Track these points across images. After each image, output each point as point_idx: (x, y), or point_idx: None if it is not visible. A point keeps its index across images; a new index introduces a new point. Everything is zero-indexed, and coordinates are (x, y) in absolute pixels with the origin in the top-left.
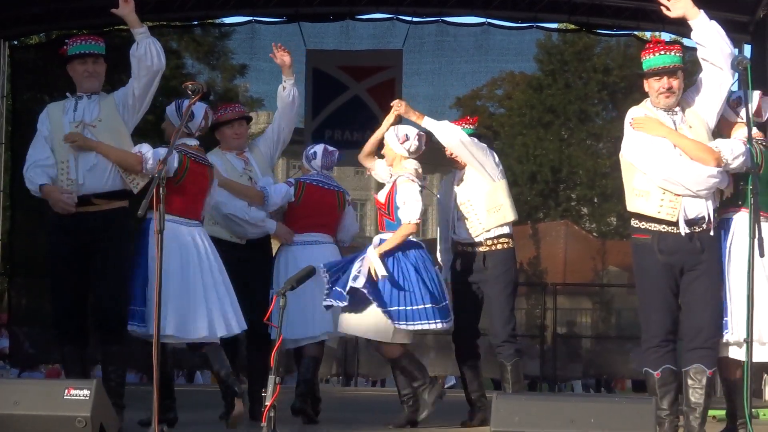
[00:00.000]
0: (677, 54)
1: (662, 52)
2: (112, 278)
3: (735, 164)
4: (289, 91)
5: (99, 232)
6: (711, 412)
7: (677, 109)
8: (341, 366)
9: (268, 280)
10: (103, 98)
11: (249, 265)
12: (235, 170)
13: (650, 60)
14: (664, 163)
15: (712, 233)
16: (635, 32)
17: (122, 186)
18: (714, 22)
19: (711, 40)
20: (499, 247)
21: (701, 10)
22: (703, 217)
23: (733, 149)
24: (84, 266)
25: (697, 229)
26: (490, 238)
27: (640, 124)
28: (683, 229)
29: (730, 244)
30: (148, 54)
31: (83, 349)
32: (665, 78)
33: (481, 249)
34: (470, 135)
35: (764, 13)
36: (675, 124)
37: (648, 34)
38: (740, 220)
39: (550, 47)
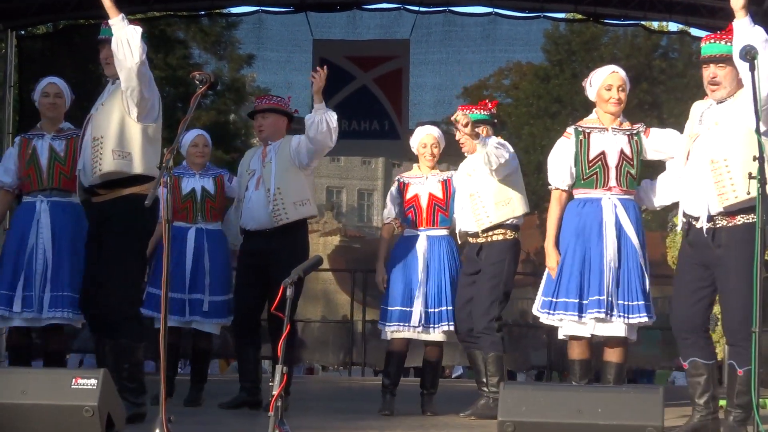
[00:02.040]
0: (729, 43)
1: (713, 41)
2: (111, 270)
3: None
4: (311, 118)
5: (104, 223)
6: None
7: (717, 103)
8: (348, 355)
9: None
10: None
11: (265, 256)
12: (247, 166)
13: (702, 48)
14: None
15: (714, 231)
16: (642, 22)
17: (121, 173)
18: (759, 28)
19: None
20: (495, 238)
21: (748, 15)
22: (699, 217)
23: None
24: (98, 256)
25: (698, 225)
26: (487, 230)
27: None
28: (680, 224)
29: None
30: (120, 48)
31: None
32: (711, 66)
33: (479, 240)
34: (485, 121)
35: None
36: (702, 116)
37: (655, 24)
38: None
39: (557, 37)
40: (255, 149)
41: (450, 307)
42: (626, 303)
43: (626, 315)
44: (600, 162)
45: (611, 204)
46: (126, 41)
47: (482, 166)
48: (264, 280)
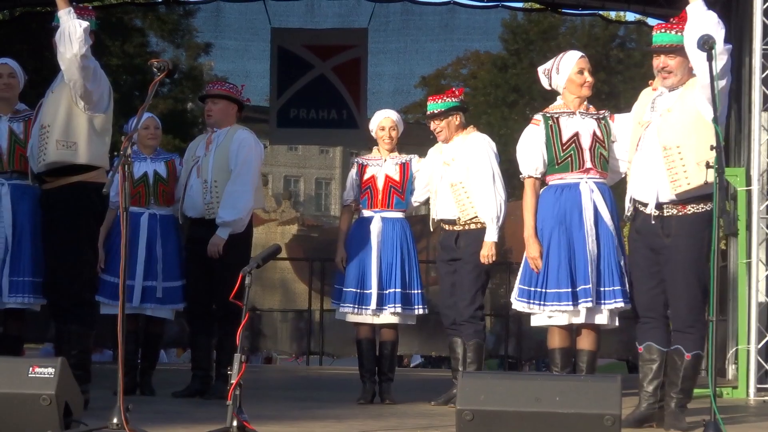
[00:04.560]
0: (679, 32)
1: (663, 30)
2: (59, 256)
3: None
4: (58, 33)
5: (52, 210)
6: None
7: (670, 91)
8: (306, 344)
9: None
10: None
11: (203, 244)
12: (193, 152)
13: (653, 37)
14: None
15: (670, 219)
16: (600, 12)
17: (65, 162)
18: (711, 12)
19: (696, 30)
20: (473, 227)
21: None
22: (647, 204)
23: None
24: (48, 242)
25: (647, 211)
26: (466, 219)
27: None
28: (627, 210)
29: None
30: (61, 39)
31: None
32: (662, 56)
33: (456, 228)
34: (457, 107)
35: None
36: (654, 103)
37: (612, 14)
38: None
39: (515, 27)
40: (203, 136)
41: (399, 289)
42: (604, 289)
43: (603, 301)
44: (574, 144)
45: (588, 189)
46: (68, 34)
47: (463, 156)
48: (209, 268)
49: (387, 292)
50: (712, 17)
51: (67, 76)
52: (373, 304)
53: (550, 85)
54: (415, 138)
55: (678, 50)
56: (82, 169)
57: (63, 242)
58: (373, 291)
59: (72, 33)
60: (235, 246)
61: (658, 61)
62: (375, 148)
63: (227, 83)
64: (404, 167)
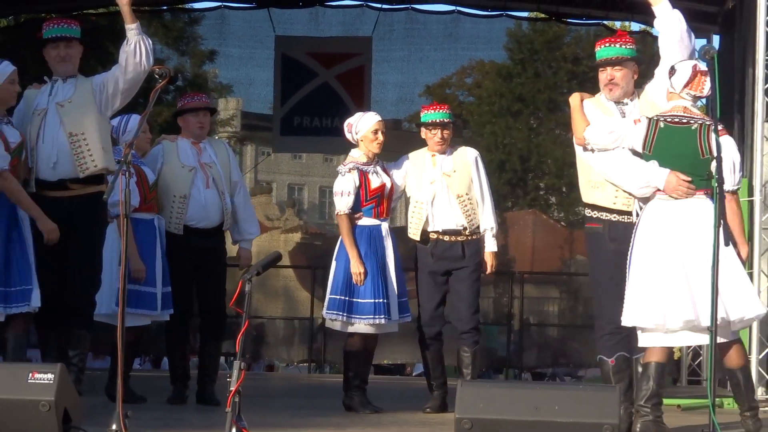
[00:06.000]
0: (623, 46)
1: (608, 44)
2: (84, 263)
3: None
4: (128, 45)
5: (75, 217)
6: (676, 401)
7: (627, 100)
8: (308, 352)
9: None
10: (80, 81)
11: (208, 253)
12: (177, 159)
13: (598, 52)
14: (609, 166)
15: None
16: (604, 22)
17: (110, 169)
18: (677, 11)
19: (670, 28)
20: (475, 237)
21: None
22: (630, 211)
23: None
24: (64, 251)
25: (628, 220)
26: (472, 229)
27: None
28: (636, 218)
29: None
30: (137, 52)
31: (62, 334)
32: (608, 69)
33: (460, 239)
34: (448, 120)
35: (733, 3)
36: (624, 114)
37: (617, 24)
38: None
39: (519, 36)
40: (174, 143)
41: (406, 299)
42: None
43: None
44: None
45: None
46: (145, 48)
47: (463, 168)
48: (196, 276)
49: (402, 300)
50: (679, 14)
51: (131, 84)
52: (394, 313)
53: (674, 87)
54: (418, 147)
55: (623, 62)
56: (103, 177)
57: (91, 248)
58: (392, 300)
59: (148, 47)
60: (223, 253)
61: (605, 74)
62: (361, 153)
63: (204, 94)
64: (387, 173)
